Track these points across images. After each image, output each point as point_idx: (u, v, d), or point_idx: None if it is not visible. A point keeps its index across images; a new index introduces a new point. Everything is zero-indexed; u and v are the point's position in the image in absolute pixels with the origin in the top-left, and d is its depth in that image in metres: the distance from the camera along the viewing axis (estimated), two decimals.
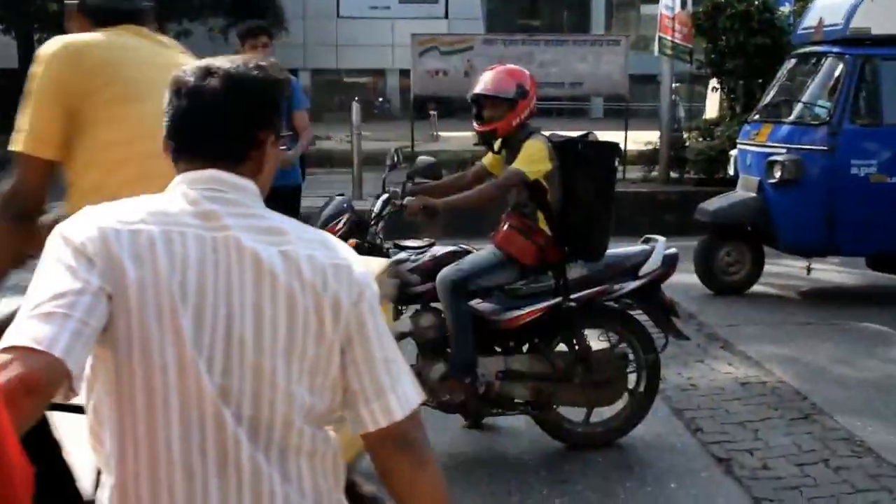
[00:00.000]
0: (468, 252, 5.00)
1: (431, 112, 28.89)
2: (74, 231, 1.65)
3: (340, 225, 4.78)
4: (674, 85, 16.32)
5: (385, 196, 4.95)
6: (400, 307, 4.99)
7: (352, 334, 1.74)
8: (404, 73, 44.48)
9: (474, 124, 5.00)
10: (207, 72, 1.76)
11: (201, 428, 1.63)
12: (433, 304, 4.93)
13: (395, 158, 5.14)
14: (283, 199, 5.34)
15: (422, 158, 5.05)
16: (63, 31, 3.07)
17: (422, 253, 4.95)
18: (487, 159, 5.25)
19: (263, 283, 1.67)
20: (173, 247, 1.64)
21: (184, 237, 1.66)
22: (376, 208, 4.90)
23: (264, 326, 1.66)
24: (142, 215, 1.67)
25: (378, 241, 4.85)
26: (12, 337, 1.50)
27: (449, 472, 4.84)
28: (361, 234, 4.82)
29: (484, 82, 4.95)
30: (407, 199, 4.79)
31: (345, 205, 4.92)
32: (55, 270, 1.60)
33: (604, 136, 5.40)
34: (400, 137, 16.51)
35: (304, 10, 40.53)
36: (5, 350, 1.47)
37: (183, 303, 1.62)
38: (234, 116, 1.76)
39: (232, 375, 1.64)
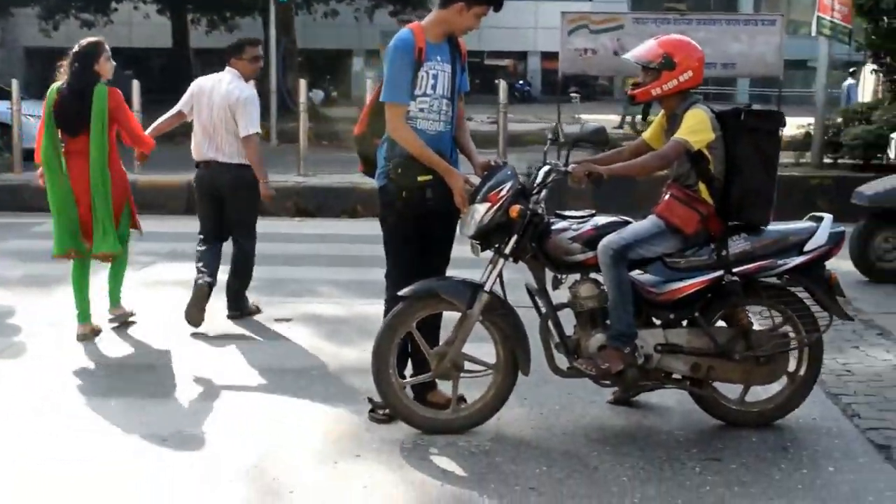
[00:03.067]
0: (629, 222, 4.98)
1: (573, 95, 28.82)
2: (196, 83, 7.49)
3: (504, 192, 4.77)
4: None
5: (548, 167, 4.94)
6: (560, 276, 5.01)
7: (235, 111, 7.07)
8: (546, 56, 44.45)
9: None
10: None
11: (211, 127, 7.20)
12: (592, 275, 4.94)
13: (557, 132, 5.10)
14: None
15: (589, 124, 5.04)
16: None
17: (583, 222, 4.95)
18: (647, 133, 5.25)
19: (222, 97, 7.15)
20: (204, 84, 7.32)
21: (210, 82, 7.30)
22: (539, 177, 4.89)
23: (218, 109, 7.16)
24: (210, 79, 7.35)
25: (540, 210, 4.84)
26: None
27: (596, 445, 4.85)
28: (524, 203, 4.80)
29: (635, 48, 5.07)
30: (572, 166, 4.79)
31: (509, 172, 4.91)
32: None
33: None
34: (541, 119, 16.50)
35: None
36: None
37: (205, 98, 7.25)
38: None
39: (212, 119, 7.17)
